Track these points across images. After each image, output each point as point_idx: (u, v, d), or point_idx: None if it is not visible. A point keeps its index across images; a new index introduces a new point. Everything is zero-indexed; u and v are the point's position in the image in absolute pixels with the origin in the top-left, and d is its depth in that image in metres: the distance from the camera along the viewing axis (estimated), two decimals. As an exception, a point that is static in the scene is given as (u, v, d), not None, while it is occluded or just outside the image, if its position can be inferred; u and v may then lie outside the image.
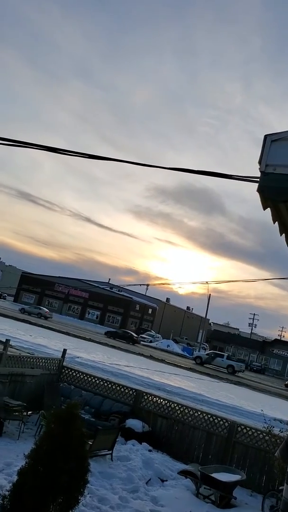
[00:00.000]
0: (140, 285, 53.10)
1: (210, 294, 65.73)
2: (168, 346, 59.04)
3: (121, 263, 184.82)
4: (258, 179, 3.06)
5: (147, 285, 49.17)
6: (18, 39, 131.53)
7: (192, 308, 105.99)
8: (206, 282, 40.70)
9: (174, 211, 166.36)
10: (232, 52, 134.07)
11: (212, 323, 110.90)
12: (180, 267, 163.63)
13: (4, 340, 12.27)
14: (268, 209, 3.35)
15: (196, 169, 4.09)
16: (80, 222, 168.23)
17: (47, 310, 60.95)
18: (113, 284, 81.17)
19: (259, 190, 3.06)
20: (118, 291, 78.44)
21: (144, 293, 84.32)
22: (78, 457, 4.77)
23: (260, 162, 3.04)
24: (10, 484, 4.88)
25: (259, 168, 3.04)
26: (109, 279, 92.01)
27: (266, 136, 3.06)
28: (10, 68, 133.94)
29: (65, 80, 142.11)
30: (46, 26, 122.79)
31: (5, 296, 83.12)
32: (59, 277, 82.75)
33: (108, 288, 79.75)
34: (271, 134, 3.05)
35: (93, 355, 29.02)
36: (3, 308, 55.59)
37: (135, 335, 57.40)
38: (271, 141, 3.02)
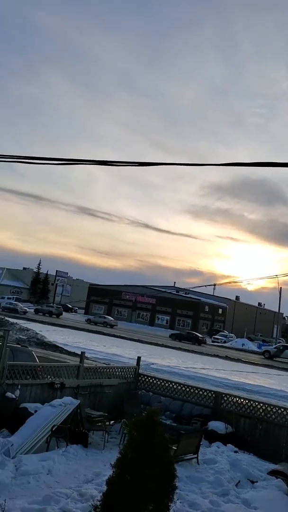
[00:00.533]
0: (207, 286, 52.51)
1: (281, 288, 63.96)
2: (243, 345, 57.88)
3: (184, 265, 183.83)
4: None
5: (214, 285, 48.53)
6: (60, 59, 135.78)
7: (264, 304, 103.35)
8: (276, 275, 39.63)
9: (232, 206, 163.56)
10: (274, 39, 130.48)
11: (286, 317, 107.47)
12: (246, 262, 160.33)
13: (79, 353, 12.59)
14: None
15: (251, 162, 4.00)
16: (139, 229, 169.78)
17: (111, 319, 62.41)
18: (179, 288, 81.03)
19: None
20: (185, 293, 78.18)
21: (212, 293, 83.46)
22: (163, 463, 4.77)
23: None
24: (101, 494, 4.97)
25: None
26: (174, 282, 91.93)
27: None
28: (55, 88, 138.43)
29: (110, 93, 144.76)
30: (85, 43, 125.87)
31: (76, 309, 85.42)
32: (125, 285, 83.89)
33: (174, 292, 79.75)
34: None
35: (168, 360, 29.08)
36: (74, 321, 57.26)
37: (200, 335, 56.85)
38: None
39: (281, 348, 48.82)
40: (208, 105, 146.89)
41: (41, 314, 61.18)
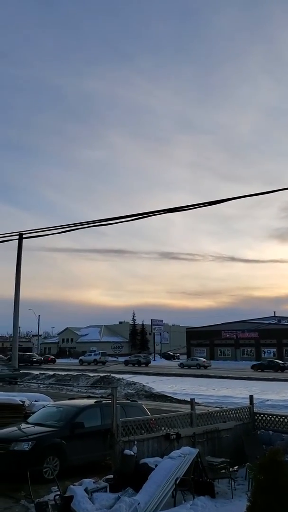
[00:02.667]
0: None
1: None
2: None
3: (281, 292, 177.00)
4: None
5: None
6: (117, 119, 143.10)
7: None
8: None
9: None
10: None
11: None
12: None
13: (189, 400, 12.37)
14: None
15: None
16: (225, 263, 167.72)
17: (204, 360, 62.83)
18: (280, 316, 77.76)
19: None
20: (288, 321, 74.82)
21: None
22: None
23: None
24: None
25: None
26: (274, 312, 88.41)
27: None
28: (118, 146, 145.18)
29: (170, 138, 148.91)
30: (137, 98, 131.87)
31: (178, 355, 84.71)
32: (223, 323, 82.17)
33: (276, 322, 76.55)
34: None
35: (283, 394, 27.58)
36: (168, 367, 57.23)
37: (281, 362, 55.97)
38: None
39: None
40: (270, 127, 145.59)
41: (131, 365, 62.30)
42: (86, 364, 67.05)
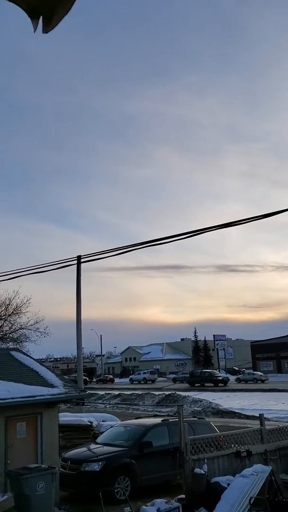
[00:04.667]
0: None
1: None
2: None
3: None
4: None
5: None
6: (165, 135, 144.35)
7: None
8: None
9: None
10: None
11: None
12: None
13: (257, 415, 12.01)
14: None
15: None
16: (286, 272, 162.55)
17: (261, 374, 60.87)
18: None
19: None
20: None
21: None
22: None
23: None
24: None
25: None
26: None
27: None
28: (167, 163, 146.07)
29: (220, 149, 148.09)
30: (183, 113, 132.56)
31: (244, 370, 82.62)
32: (289, 335, 79.42)
33: None
34: None
35: None
36: (233, 382, 55.97)
37: None
38: None
39: None
40: None
41: (179, 382, 62.35)
42: (136, 382, 67.80)
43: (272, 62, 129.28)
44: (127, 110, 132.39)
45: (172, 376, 70.05)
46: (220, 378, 55.36)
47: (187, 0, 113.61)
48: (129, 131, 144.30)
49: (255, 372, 64.97)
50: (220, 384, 52.86)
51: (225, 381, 54.28)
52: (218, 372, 61.68)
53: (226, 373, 71.17)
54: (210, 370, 62.58)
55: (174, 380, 64.75)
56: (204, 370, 63.39)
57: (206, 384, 53.10)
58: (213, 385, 52.31)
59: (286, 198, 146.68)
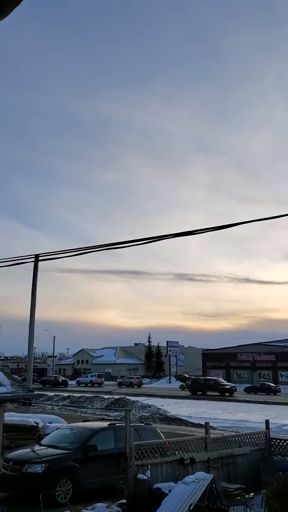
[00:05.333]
0: None
1: None
2: None
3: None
4: None
5: None
6: (133, 141, 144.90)
7: None
8: None
9: None
10: None
11: None
12: None
13: (204, 424, 12.21)
14: None
15: None
16: (240, 284, 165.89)
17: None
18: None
19: None
20: (306, 343, 73.51)
21: None
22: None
23: None
24: None
25: None
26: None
27: None
28: (133, 168, 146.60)
29: (185, 160, 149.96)
30: (153, 120, 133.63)
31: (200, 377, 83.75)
32: (239, 346, 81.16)
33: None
34: None
35: (301, 419, 26.95)
36: (171, 389, 56.16)
37: (273, 385, 56.96)
38: None
39: None
40: (284, 148, 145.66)
41: (125, 386, 63.55)
42: (83, 385, 67.66)
43: (242, 77, 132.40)
44: (99, 113, 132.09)
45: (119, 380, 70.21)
46: (228, 387, 50.37)
47: (168, 11, 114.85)
48: (99, 133, 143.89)
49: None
50: (226, 394, 48.28)
51: (232, 391, 49.52)
52: (224, 380, 55.97)
53: (176, 380, 71.77)
54: (215, 378, 57.27)
55: (119, 384, 65.04)
56: (208, 378, 58.51)
57: (208, 393, 49.26)
58: (219, 394, 48.22)
59: (246, 213, 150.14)
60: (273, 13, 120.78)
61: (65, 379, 72.25)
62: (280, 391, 54.18)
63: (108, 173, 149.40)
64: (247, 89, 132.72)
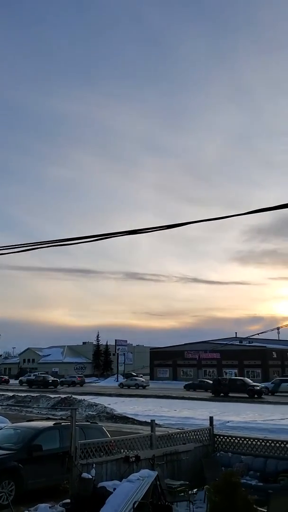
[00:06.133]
0: (270, 330, 50.85)
1: None
2: None
3: (243, 313, 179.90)
4: None
5: (278, 328, 46.96)
6: (85, 139, 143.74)
7: None
8: None
9: (279, 246, 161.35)
10: (284, 77, 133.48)
11: None
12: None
13: (149, 421, 12.30)
14: None
15: (279, 204, 4.06)
16: (189, 284, 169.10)
17: (143, 380, 64.32)
18: (241, 337, 78.72)
19: None
20: (249, 342, 75.73)
21: (277, 338, 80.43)
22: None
23: None
24: None
25: None
26: (236, 333, 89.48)
27: None
28: (85, 166, 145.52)
29: (137, 160, 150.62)
30: (106, 119, 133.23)
31: (141, 376, 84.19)
32: (186, 344, 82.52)
33: (238, 343, 77.42)
34: None
35: (244, 416, 27.80)
36: (108, 387, 57.75)
37: (211, 382, 55.21)
38: None
39: (278, 382, 47.86)
40: (234, 152, 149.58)
41: (66, 385, 63.86)
42: (25, 384, 66.61)
43: (195, 82, 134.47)
44: (51, 109, 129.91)
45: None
46: (258, 388, 45.48)
47: (123, 13, 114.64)
48: (51, 130, 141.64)
49: (137, 378, 66.97)
50: (255, 396, 43.60)
51: (261, 392, 44.99)
52: (251, 381, 50.42)
53: (123, 378, 71.75)
54: (242, 378, 52.68)
55: (62, 383, 64.83)
56: (235, 378, 53.87)
57: (231, 395, 44.54)
58: (247, 396, 43.45)
59: (196, 214, 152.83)
60: (226, 22, 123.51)
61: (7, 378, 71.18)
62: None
63: (59, 170, 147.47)
64: (199, 93, 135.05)
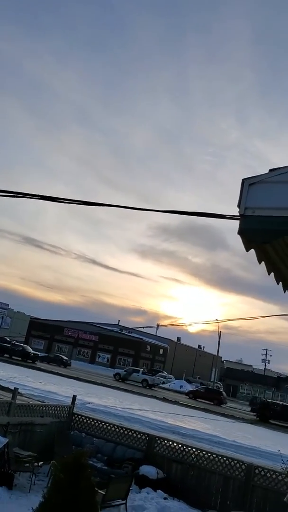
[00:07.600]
0: (150, 327, 52.86)
1: (220, 332, 65.04)
2: (181, 387, 57.89)
3: (129, 304, 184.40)
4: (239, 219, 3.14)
5: (157, 326, 48.93)
6: (17, 88, 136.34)
7: (204, 346, 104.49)
8: (216, 320, 40.40)
9: (178, 249, 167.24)
10: (225, 89, 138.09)
11: (224, 361, 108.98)
12: (189, 304, 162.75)
13: (12, 389, 12.16)
14: (252, 250, 3.45)
15: (192, 211, 4.21)
16: (86, 264, 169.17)
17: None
18: (123, 326, 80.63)
19: (240, 232, 3.13)
20: (129, 332, 77.84)
21: (154, 333, 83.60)
22: (88, 509, 4.66)
23: (239, 206, 3.11)
24: None
25: (239, 212, 3.11)
26: (119, 320, 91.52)
27: (243, 180, 3.16)
28: (10, 116, 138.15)
29: (65, 125, 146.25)
30: (42, 74, 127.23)
31: (14, 342, 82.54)
32: (68, 321, 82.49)
33: (117, 330, 79.15)
34: (248, 178, 3.14)
35: (105, 400, 28.51)
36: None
37: (65, 358, 57.81)
38: (248, 184, 3.11)
39: (130, 371, 51.80)
40: (159, 147, 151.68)
41: None
42: None
43: (141, 67, 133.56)
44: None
45: None
46: (35, 354, 50.31)
47: None
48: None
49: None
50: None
51: (36, 358, 49.86)
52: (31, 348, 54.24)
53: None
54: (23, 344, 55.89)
55: None
56: (18, 343, 56.74)
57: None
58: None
59: (110, 198, 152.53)
60: (179, 15, 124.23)
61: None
62: (70, 365, 56.52)
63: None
64: (144, 77, 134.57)
